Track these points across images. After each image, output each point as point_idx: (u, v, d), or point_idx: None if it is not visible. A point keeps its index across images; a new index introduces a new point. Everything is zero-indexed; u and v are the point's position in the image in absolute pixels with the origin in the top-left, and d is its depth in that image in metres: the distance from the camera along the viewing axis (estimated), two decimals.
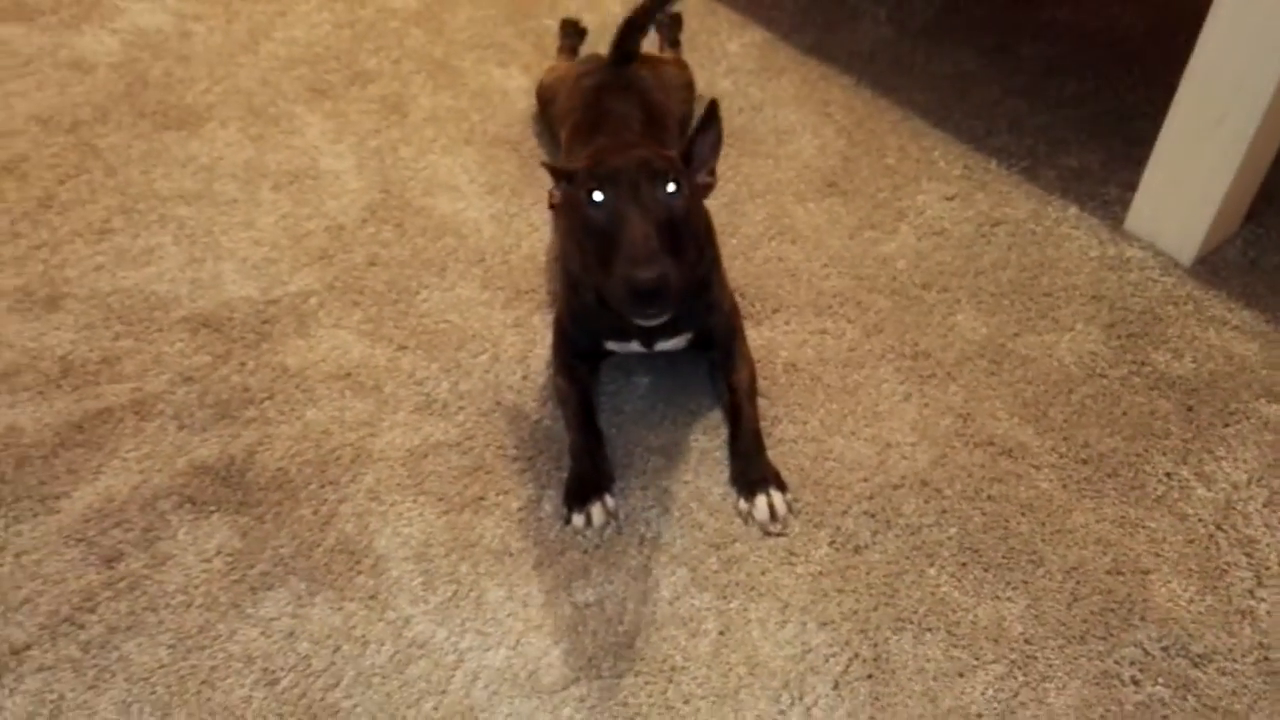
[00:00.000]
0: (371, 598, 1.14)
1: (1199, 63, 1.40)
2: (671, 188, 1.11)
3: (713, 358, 1.35)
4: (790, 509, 1.22)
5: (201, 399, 1.34)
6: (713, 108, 1.19)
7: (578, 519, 1.20)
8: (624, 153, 1.14)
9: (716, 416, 1.32)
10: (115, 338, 1.41)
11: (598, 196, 1.10)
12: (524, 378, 1.37)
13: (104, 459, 1.27)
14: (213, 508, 1.23)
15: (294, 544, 1.19)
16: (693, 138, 1.20)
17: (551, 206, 1.23)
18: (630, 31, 1.57)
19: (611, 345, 1.31)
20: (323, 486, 1.25)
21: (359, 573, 1.16)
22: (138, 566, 1.17)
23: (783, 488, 1.22)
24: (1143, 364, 1.39)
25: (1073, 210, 1.62)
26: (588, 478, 1.22)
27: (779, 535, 1.20)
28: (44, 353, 1.39)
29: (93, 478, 1.25)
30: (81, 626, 1.11)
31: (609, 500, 1.21)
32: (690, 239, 1.15)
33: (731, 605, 1.13)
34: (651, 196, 1.10)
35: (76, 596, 1.14)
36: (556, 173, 1.19)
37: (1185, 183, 1.48)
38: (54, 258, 1.52)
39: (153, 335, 1.42)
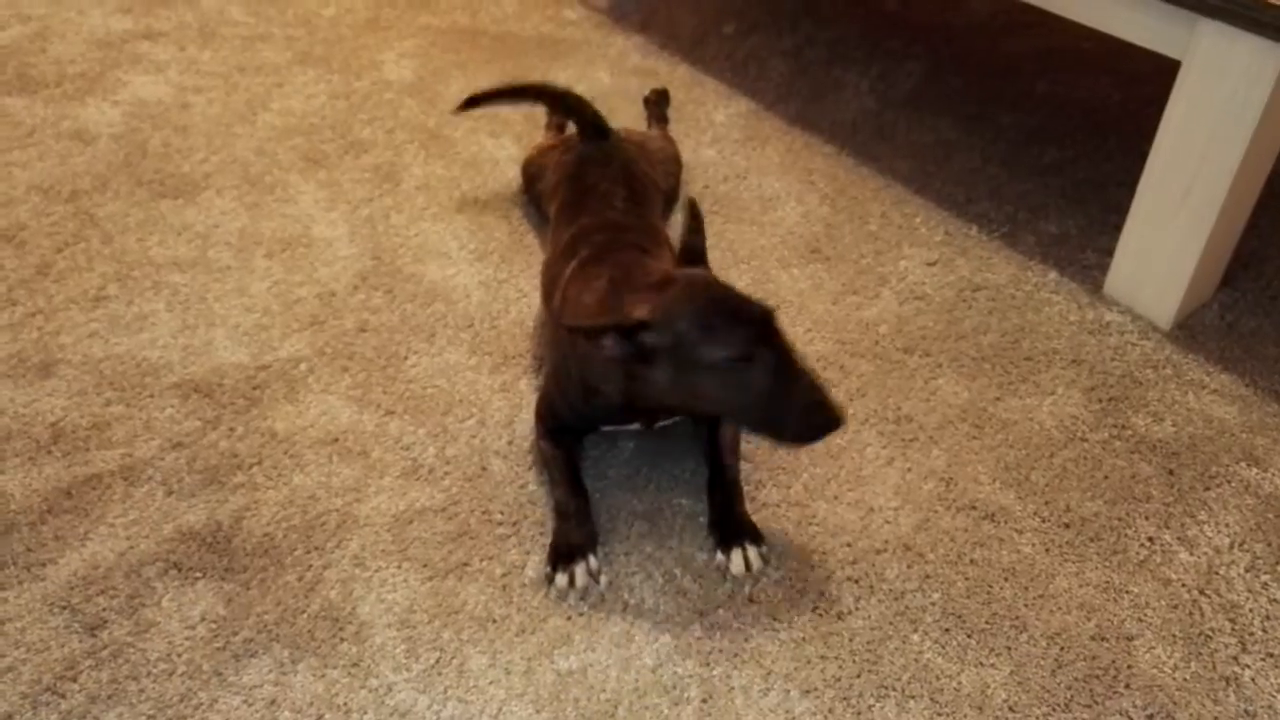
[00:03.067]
0: (354, 665, 1.14)
1: (1164, 139, 1.44)
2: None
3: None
4: (765, 561, 1.22)
5: (190, 465, 1.35)
6: (695, 209, 1.24)
7: (561, 579, 1.20)
8: (697, 292, 1.12)
9: (700, 481, 1.33)
10: (106, 404, 1.43)
11: (729, 357, 1.09)
12: (510, 442, 1.38)
13: (91, 525, 1.28)
14: (198, 574, 1.23)
15: (278, 610, 1.19)
16: (695, 243, 1.23)
17: (611, 358, 1.14)
18: (579, 111, 1.62)
19: (608, 428, 1.32)
20: (308, 552, 1.25)
21: (342, 639, 1.16)
22: (121, 634, 1.17)
23: (759, 540, 1.23)
24: (1123, 428, 1.41)
25: (1052, 275, 1.65)
26: (573, 538, 1.23)
27: (753, 584, 1.21)
28: (35, 419, 1.40)
29: (79, 544, 1.26)
30: (63, 696, 1.11)
31: (592, 561, 1.21)
32: None
33: (714, 673, 1.13)
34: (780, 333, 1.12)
35: (59, 665, 1.14)
36: (619, 327, 1.12)
37: (1158, 252, 1.51)
38: (49, 325, 1.54)
39: (144, 401, 1.43)
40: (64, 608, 1.19)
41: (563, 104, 1.65)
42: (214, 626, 1.17)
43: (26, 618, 1.18)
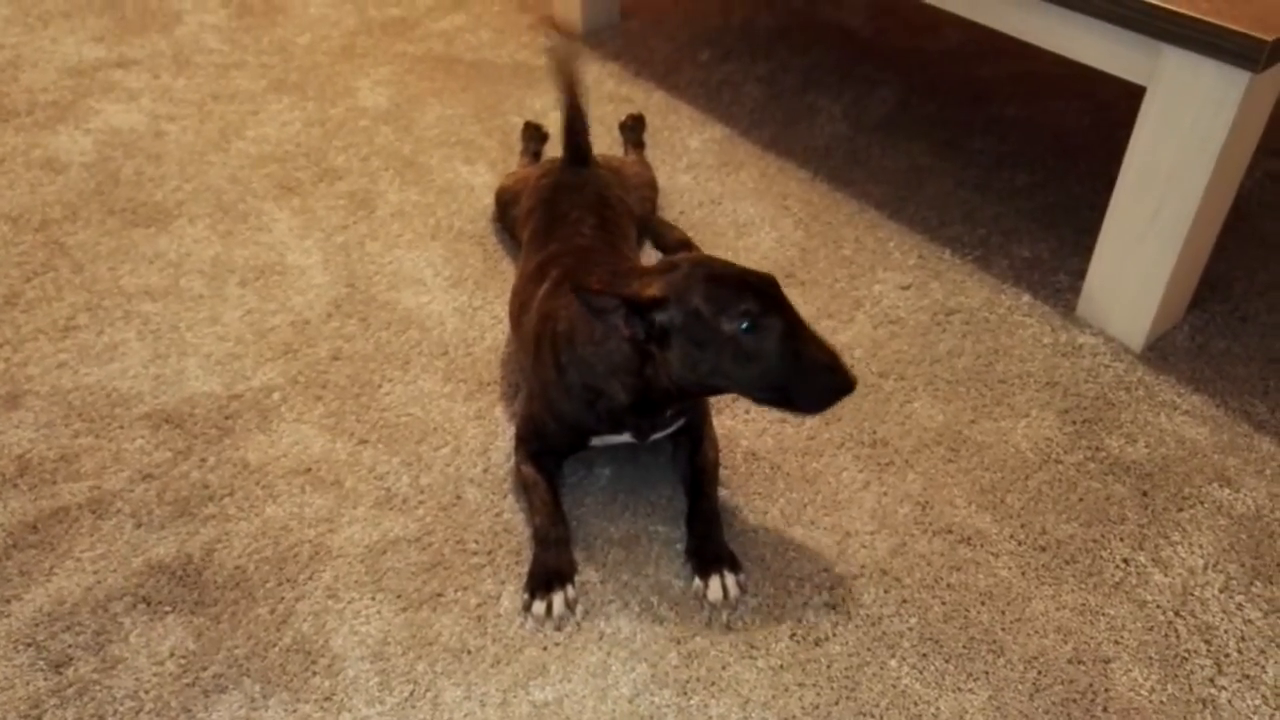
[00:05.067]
0: (327, 699, 1.12)
1: (1131, 163, 1.46)
2: None
3: (679, 440, 1.36)
4: (743, 589, 1.22)
5: (160, 496, 1.33)
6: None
7: (539, 607, 1.19)
8: (703, 268, 1.13)
9: (678, 507, 1.33)
10: (75, 435, 1.41)
11: (745, 325, 1.09)
12: (485, 470, 1.37)
13: (57, 560, 1.25)
14: (167, 608, 1.21)
15: (249, 644, 1.17)
16: (685, 239, 1.25)
17: (632, 339, 1.15)
18: (573, 133, 1.61)
19: (597, 441, 1.31)
20: (280, 584, 1.23)
21: (314, 673, 1.14)
22: (87, 671, 1.14)
23: (736, 568, 1.22)
24: (1097, 449, 1.41)
25: (1025, 298, 1.66)
26: (552, 565, 1.22)
27: (730, 611, 1.20)
28: (1, 451, 1.38)
29: (45, 579, 1.23)
30: None
31: (570, 590, 1.21)
32: None
33: (692, 702, 1.12)
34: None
35: (23, 704, 1.11)
36: (639, 300, 1.12)
37: (1129, 273, 1.53)
38: (16, 355, 1.52)
39: (113, 432, 1.41)
40: (29, 645, 1.17)
41: (569, 116, 1.60)
42: (183, 662, 1.15)
43: None
